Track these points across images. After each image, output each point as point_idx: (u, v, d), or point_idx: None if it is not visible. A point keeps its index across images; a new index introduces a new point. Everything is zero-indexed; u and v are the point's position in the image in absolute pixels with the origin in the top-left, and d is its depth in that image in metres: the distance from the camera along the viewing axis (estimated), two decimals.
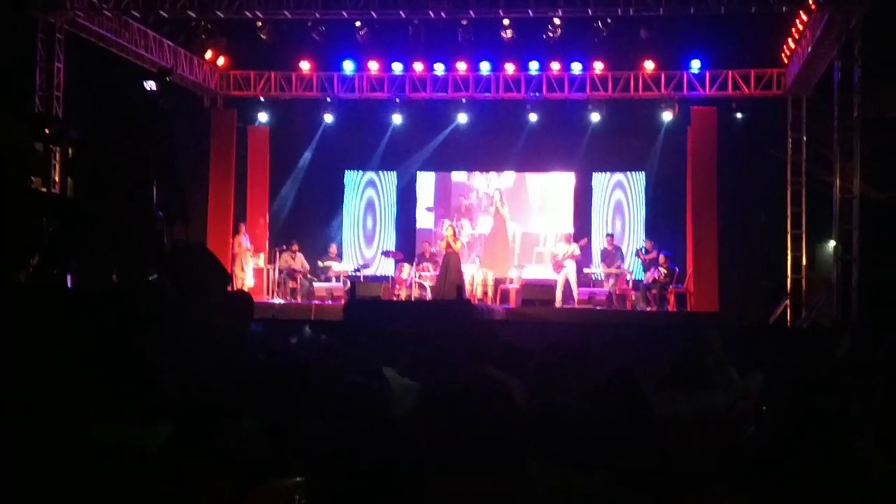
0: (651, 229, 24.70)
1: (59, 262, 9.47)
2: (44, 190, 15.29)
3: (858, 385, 6.40)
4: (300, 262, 23.83)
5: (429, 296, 22.13)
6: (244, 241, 23.78)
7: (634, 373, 5.53)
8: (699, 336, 8.36)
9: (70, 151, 12.08)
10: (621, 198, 25.52)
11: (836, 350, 9.53)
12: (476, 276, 23.67)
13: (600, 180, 25.60)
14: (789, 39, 21.43)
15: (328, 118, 24.97)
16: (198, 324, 7.65)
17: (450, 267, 21.54)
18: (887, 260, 19.02)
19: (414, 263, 23.56)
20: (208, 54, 23.29)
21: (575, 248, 22.82)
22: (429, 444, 4.24)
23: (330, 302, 22.28)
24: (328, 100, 24.54)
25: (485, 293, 23.55)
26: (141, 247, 9.46)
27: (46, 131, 12.55)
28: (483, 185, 26.11)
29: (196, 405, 4.54)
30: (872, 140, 19.26)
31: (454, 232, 22.23)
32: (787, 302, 22.08)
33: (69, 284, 9.57)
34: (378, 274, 25.33)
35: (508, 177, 25.94)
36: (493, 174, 26.00)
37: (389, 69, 23.87)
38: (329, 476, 3.60)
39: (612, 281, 23.17)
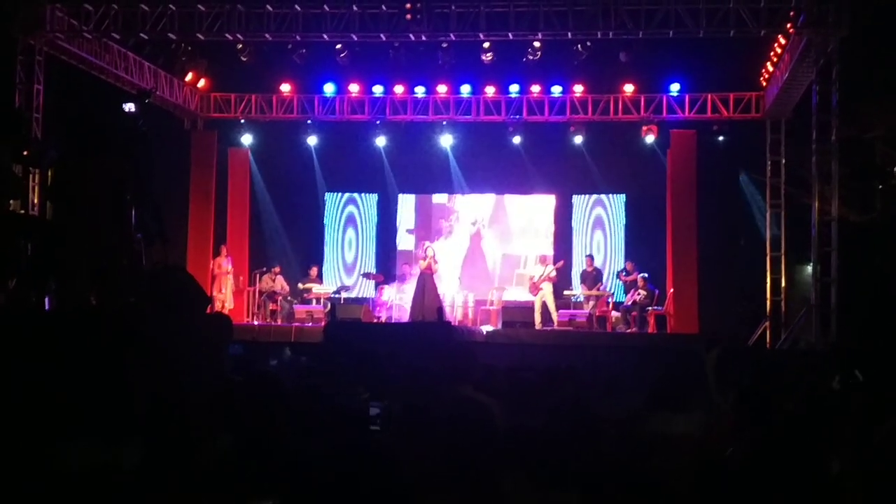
0: (631, 251, 24.76)
1: (36, 284, 9.43)
2: (22, 211, 15.26)
3: (835, 408, 6.41)
4: (280, 283, 23.78)
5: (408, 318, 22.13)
6: (224, 262, 23.69)
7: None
8: (691, 355, 8.38)
9: (49, 173, 12.04)
10: (601, 220, 25.58)
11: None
12: (456, 298, 23.66)
13: (580, 202, 25.66)
14: (768, 63, 21.57)
15: (309, 140, 24.99)
16: (176, 346, 7.62)
17: (426, 287, 21.52)
18: (865, 282, 19.12)
19: (394, 285, 23.56)
20: (189, 76, 23.28)
21: (551, 270, 22.79)
22: (407, 465, 4.24)
23: (310, 324, 22.21)
24: (309, 122, 24.57)
25: (465, 315, 23.53)
26: (119, 268, 9.42)
27: (25, 153, 12.52)
28: (464, 206, 26.12)
29: (172, 426, 4.53)
30: (850, 162, 19.38)
31: (434, 253, 22.21)
32: (767, 324, 22.13)
33: (47, 306, 9.52)
34: (358, 296, 25.30)
35: (490, 199, 25.97)
36: (474, 196, 26.01)
37: (370, 91, 23.92)
38: (306, 497, 3.60)
39: (592, 303, 23.15)
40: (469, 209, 26.03)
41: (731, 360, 10.99)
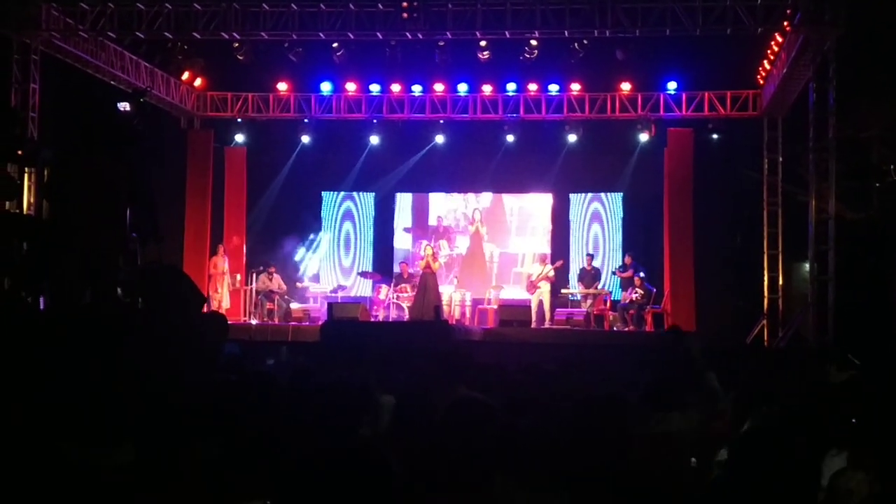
0: (628, 250, 24.72)
1: (31, 284, 9.40)
2: (16, 211, 15.21)
3: (834, 408, 6.38)
4: (277, 282, 23.71)
5: (406, 316, 22.08)
6: (221, 262, 23.64)
7: (621, 397, 5.51)
8: (682, 351, 8.35)
9: (45, 173, 12.02)
10: (599, 218, 25.56)
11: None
12: (454, 297, 23.64)
13: (577, 201, 25.63)
14: (765, 61, 21.55)
15: (305, 139, 24.92)
16: (171, 345, 7.59)
17: (428, 287, 21.50)
18: (862, 280, 19.09)
19: (391, 284, 23.53)
20: (185, 75, 23.26)
21: (549, 270, 22.75)
22: (402, 463, 4.22)
23: (307, 323, 22.19)
24: (305, 121, 24.52)
25: (462, 313, 23.51)
26: (114, 268, 9.39)
27: (20, 153, 12.49)
28: (461, 205, 26.11)
29: (163, 426, 4.51)
30: (847, 161, 19.34)
31: (433, 252, 22.20)
32: (764, 322, 22.12)
33: (41, 306, 9.50)
34: (356, 295, 25.26)
35: (486, 197, 25.96)
36: (470, 195, 26.01)
37: (367, 90, 23.89)
38: (299, 497, 3.57)
39: (589, 301, 23.13)
40: (466, 207, 26.01)
41: (725, 359, 10.99)
